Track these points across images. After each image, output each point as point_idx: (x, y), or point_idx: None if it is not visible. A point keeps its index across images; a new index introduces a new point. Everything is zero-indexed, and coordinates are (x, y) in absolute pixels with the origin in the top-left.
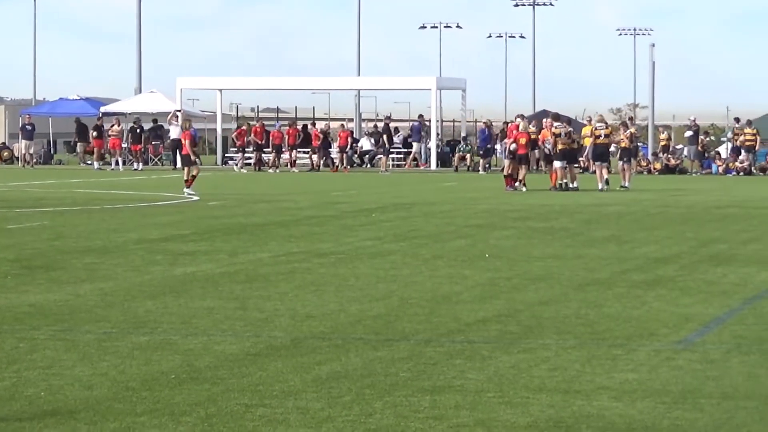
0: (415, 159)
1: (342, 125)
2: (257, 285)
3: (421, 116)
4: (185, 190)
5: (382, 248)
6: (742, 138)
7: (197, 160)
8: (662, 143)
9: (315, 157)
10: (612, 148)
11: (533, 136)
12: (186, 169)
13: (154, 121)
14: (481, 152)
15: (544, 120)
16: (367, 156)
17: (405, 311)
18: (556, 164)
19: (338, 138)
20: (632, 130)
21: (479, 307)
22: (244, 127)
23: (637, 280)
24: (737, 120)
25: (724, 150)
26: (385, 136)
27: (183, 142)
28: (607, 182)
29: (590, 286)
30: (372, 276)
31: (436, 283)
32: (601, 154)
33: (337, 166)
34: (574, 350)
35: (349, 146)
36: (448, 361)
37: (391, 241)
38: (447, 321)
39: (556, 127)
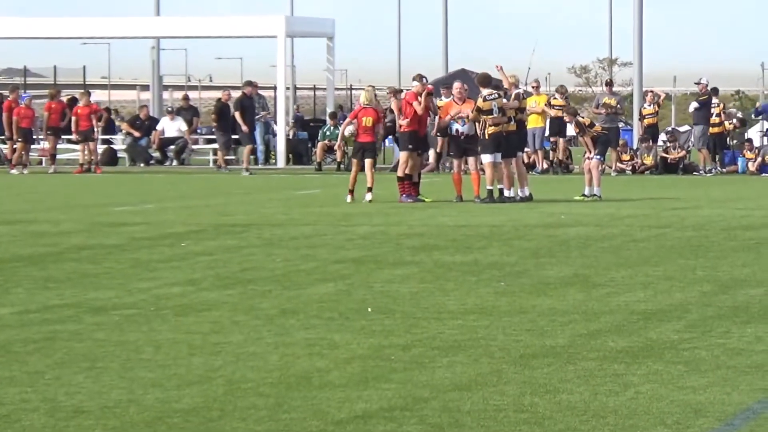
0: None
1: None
2: None
3: (249, 83)
4: None
5: (199, 299)
6: None
7: None
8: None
9: (91, 146)
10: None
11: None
12: None
13: None
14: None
15: (456, 84)
16: (173, 147)
17: (235, 402)
18: (486, 158)
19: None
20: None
21: (358, 395)
22: None
23: (616, 349)
24: None
25: (757, 135)
26: (238, 115)
27: None
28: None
29: (539, 358)
30: (182, 344)
31: (287, 354)
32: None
33: (88, 165)
34: None
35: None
36: None
37: (212, 286)
38: (304, 417)
39: (485, 99)
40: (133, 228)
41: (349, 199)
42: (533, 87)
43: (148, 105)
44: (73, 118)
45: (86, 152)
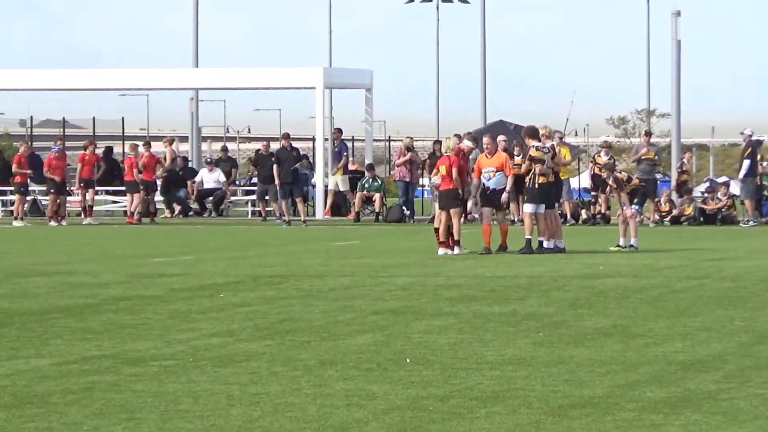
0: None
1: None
2: (31, 411)
3: (286, 135)
4: None
5: (237, 349)
6: None
7: None
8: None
9: (136, 198)
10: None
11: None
12: None
13: None
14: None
15: (485, 139)
16: (211, 198)
17: None
18: (528, 208)
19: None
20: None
21: None
22: (23, 150)
23: (655, 399)
24: None
25: None
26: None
27: None
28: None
29: (578, 409)
30: (220, 395)
31: (325, 405)
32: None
33: (152, 214)
34: None
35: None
36: None
37: (250, 337)
38: None
39: (536, 149)
40: (172, 279)
41: (441, 251)
42: (558, 138)
43: (180, 156)
44: (135, 171)
45: (147, 202)
